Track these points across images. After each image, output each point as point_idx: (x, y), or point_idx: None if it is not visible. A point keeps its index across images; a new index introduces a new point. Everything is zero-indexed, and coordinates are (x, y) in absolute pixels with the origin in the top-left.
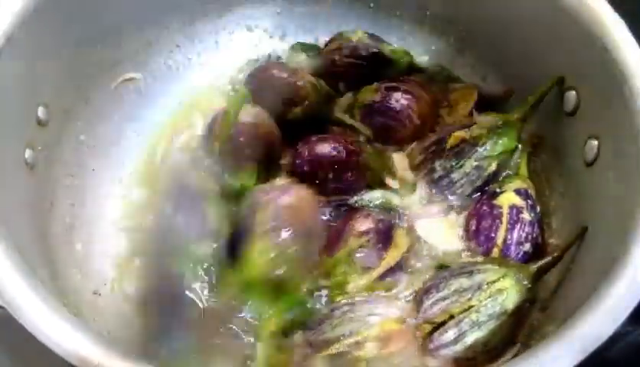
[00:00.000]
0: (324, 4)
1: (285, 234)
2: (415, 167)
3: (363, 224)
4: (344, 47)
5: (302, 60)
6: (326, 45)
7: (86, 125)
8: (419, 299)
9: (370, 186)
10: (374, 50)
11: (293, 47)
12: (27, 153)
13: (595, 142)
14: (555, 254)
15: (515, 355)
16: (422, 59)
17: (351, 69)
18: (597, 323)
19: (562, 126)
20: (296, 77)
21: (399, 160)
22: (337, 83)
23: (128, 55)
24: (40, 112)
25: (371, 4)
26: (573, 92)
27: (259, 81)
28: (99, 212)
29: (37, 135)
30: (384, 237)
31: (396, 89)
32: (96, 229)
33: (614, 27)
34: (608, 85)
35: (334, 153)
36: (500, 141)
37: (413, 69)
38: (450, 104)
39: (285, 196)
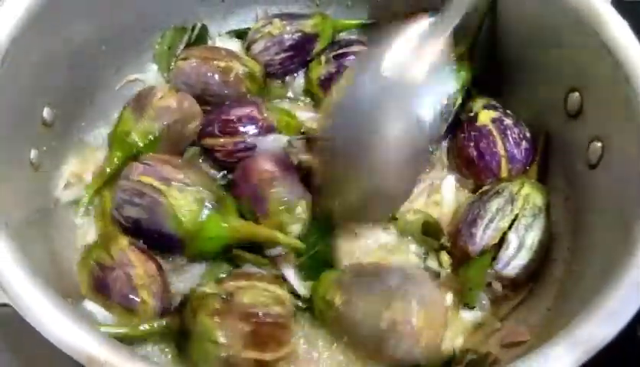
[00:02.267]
0: None
1: None
2: None
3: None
4: (271, 45)
5: (235, 48)
6: (248, 48)
7: (91, 125)
8: (467, 234)
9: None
10: (298, 34)
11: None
12: (32, 153)
13: (599, 144)
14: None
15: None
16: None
17: (287, 62)
18: (600, 325)
19: (565, 128)
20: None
21: None
22: (282, 77)
23: (132, 57)
24: (46, 112)
25: None
26: (577, 94)
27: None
28: None
29: (42, 136)
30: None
31: (345, 55)
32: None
33: (618, 29)
34: (612, 87)
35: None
36: (459, 75)
37: (339, 29)
38: None
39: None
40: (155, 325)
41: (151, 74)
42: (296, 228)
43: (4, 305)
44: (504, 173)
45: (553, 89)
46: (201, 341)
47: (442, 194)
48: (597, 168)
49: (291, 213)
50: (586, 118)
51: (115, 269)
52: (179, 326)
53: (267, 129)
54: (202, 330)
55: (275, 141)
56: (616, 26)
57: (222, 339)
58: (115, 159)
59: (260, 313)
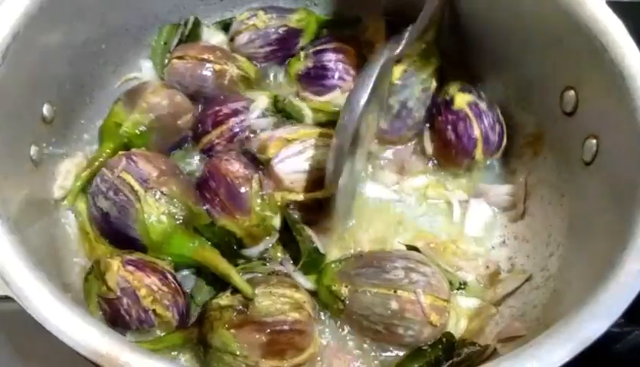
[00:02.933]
0: None
1: None
2: None
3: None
4: (255, 38)
5: (221, 40)
6: (232, 38)
7: (90, 123)
8: None
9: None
10: (283, 28)
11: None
12: (33, 150)
13: (594, 141)
14: None
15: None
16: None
17: (270, 56)
18: (593, 319)
19: (561, 126)
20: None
21: None
22: (265, 71)
23: (130, 55)
24: (46, 109)
25: None
26: (572, 92)
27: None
28: None
29: (42, 133)
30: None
31: (324, 51)
32: None
33: (612, 27)
34: (607, 84)
35: None
36: (430, 61)
37: (323, 25)
38: (367, 43)
39: None
40: (175, 338)
41: (148, 73)
42: (277, 220)
43: (5, 297)
44: (478, 155)
45: (549, 86)
46: (220, 353)
47: None
48: (592, 165)
49: (271, 207)
50: (581, 116)
51: (120, 298)
52: (198, 337)
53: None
54: (220, 343)
55: (257, 106)
56: (612, 24)
57: (239, 351)
58: (107, 150)
59: (276, 322)
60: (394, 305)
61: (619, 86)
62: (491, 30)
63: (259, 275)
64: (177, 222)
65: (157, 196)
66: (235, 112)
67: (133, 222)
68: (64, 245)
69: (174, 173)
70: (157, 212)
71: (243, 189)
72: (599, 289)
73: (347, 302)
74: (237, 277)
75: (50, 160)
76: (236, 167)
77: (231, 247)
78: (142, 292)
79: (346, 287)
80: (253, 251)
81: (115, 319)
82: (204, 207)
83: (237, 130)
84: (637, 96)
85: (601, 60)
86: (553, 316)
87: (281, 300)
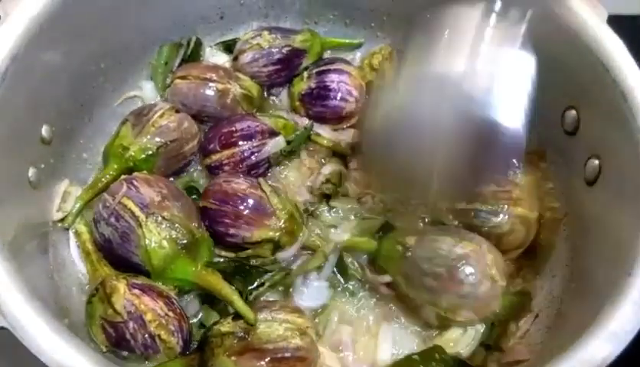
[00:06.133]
0: None
1: None
2: None
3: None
4: (259, 57)
5: (223, 60)
6: (236, 57)
7: (89, 142)
8: None
9: None
10: (287, 48)
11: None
12: (31, 171)
13: (597, 162)
14: None
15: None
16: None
17: (273, 75)
18: (602, 345)
19: (563, 145)
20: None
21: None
22: (268, 90)
23: (130, 74)
24: (44, 130)
25: None
26: (573, 112)
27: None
28: None
29: (40, 154)
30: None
31: (327, 72)
32: None
33: (614, 47)
34: (609, 104)
35: None
36: None
37: (327, 47)
38: (372, 68)
39: None
40: (177, 364)
41: (149, 91)
42: (303, 229)
43: (2, 328)
44: None
45: (551, 106)
46: None
47: None
48: (595, 185)
49: (300, 215)
50: (583, 136)
51: (126, 322)
52: (199, 364)
53: (269, 133)
54: None
55: (278, 143)
56: (612, 44)
57: None
58: (111, 172)
59: (277, 349)
60: (459, 250)
61: (621, 107)
62: None
63: (261, 300)
64: (179, 247)
65: (158, 221)
66: (248, 137)
67: (135, 248)
68: (62, 268)
69: (176, 196)
70: (158, 237)
71: (259, 196)
72: (605, 314)
73: (412, 249)
74: (240, 303)
75: (48, 182)
76: (240, 182)
77: (243, 269)
78: (149, 316)
79: (413, 236)
80: (290, 251)
81: (120, 342)
82: (230, 232)
83: (248, 155)
84: (639, 117)
85: (602, 81)
86: (557, 339)
87: (283, 326)
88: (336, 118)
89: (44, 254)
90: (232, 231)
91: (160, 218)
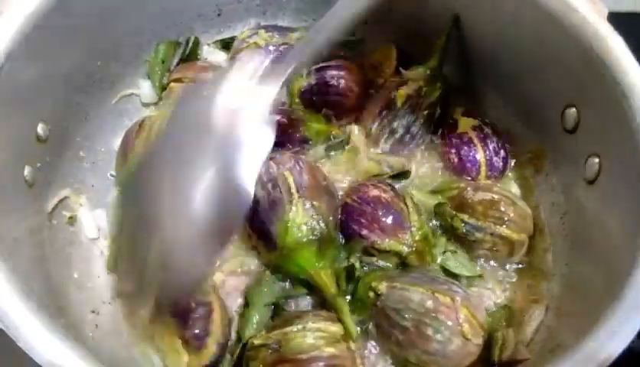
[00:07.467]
0: None
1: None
2: (374, 135)
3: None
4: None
5: (221, 59)
6: (232, 57)
7: (86, 141)
8: None
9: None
10: (284, 46)
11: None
12: (27, 170)
13: (596, 160)
14: None
15: None
16: None
17: None
18: (602, 345)
19: (562, 144)
20: None
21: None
22: None
23: (127, 71)
24: (40, 128)
25: None
26: (573, 110)
27: None
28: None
29: (36, 152)
30: None
31: (326, 68)
32: (95, 247)
33: (614, 45)
34: (609, 102)
35: None
36: (436, 86)
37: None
38: (374, 66)
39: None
40: None
41: (146, 89)
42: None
43: None
44: (482, 179)
45: (550, 104)
46: None
47: None
48: (595, 184)
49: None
50: (583, 134)
51: (198, 307)
52: None
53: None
54: None
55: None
56: (613, 43)
57: None
58: None
59: (311, 359)
60: (430, 303)
61: (621, 105)
62: (493, 51)
63: (294, 311)
64: (314, 237)
65: (306, 206)
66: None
67: (277, 219)
68: (58, 266)
69: (327, 191)
70: (301, 219)
71: (400, 208)
72: (607, 314)
73: (383, 296)
74: (348, 316)
75: (45, 180)
76: (386, 189)
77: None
78: (215, 316)
79: (386, 283)
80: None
81: (179, 316)
82: (363, 232)
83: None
84: (639, 115)
85: (602, 78)
86: (557, 339)
87: (315, 334)
88: (336, 114)
89: (41, 254)
90: (365, 232)
91: (309, 204)
